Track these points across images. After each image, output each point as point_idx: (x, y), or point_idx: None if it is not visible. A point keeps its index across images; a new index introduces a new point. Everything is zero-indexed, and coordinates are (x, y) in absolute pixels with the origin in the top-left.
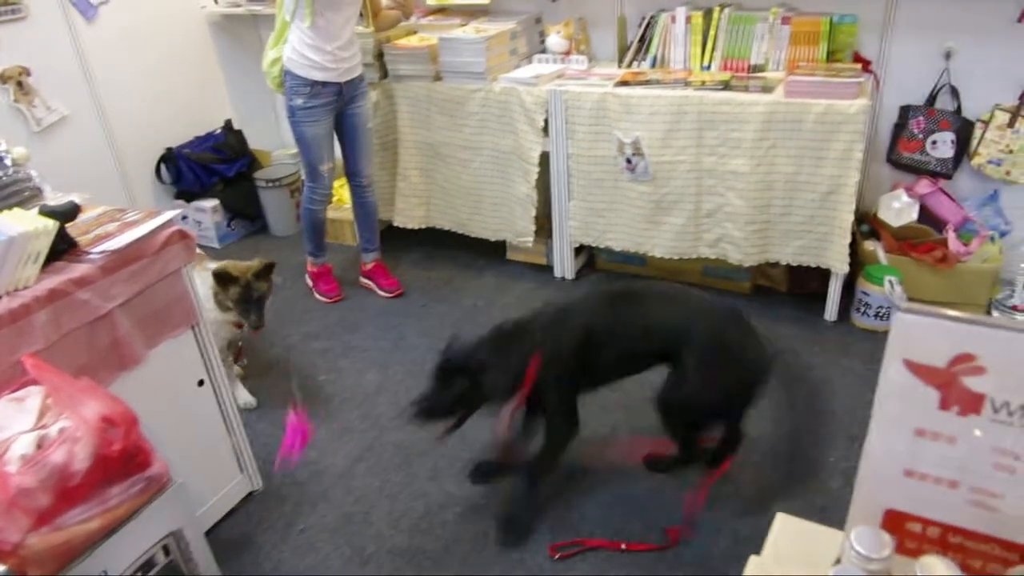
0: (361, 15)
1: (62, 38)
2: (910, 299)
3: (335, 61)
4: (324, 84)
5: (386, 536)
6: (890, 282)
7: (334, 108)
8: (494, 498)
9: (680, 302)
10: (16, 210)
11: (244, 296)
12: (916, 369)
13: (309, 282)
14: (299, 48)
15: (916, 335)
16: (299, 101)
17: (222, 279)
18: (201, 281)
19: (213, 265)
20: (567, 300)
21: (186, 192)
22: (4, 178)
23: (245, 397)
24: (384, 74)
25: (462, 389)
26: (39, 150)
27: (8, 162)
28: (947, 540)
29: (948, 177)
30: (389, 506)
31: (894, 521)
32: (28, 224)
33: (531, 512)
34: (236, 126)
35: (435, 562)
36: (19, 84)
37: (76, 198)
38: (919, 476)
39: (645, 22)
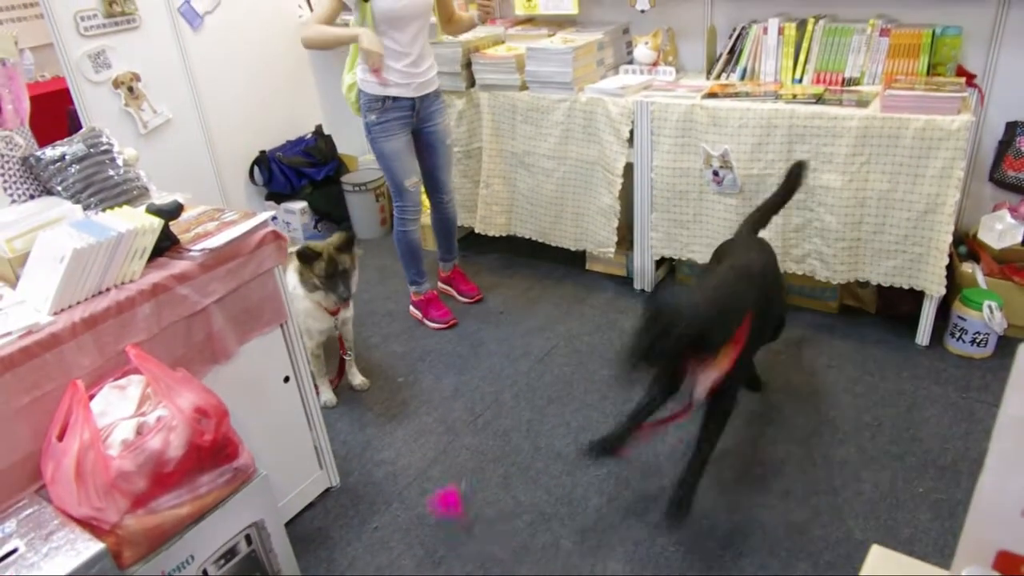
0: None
1: (170, 45)
2: (1011, 326)
3: (406, 77)
4: (396, 99)
5: (457, 540)
6: (989, 307)
7: (409, 123)
8: (563, 508)
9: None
10: (126, 207)
11: (329, 270)
12: None
13: (417, 314)
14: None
15: None
16: (373, 117)
17: (306, 257)
18: (293, 273)
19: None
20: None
21: (276, 194)
22: (116, 177)
23: (327, 395)
24: (471, 83)
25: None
26: (144, 151)
27: (120, 162)
28: None
29: None
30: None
31: (1007, 563)
32: (136, 221)
33: (694, 487)
34: (326, 131)
35: (504, 570)
36: (130, 89)
37: (180, 197)
38: None
39: (736, 33)
